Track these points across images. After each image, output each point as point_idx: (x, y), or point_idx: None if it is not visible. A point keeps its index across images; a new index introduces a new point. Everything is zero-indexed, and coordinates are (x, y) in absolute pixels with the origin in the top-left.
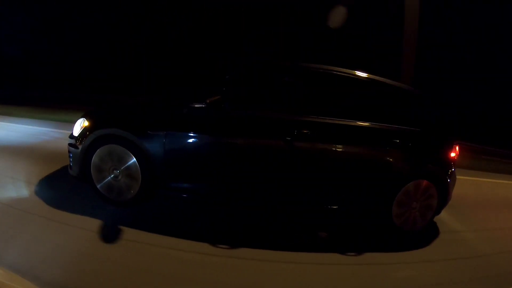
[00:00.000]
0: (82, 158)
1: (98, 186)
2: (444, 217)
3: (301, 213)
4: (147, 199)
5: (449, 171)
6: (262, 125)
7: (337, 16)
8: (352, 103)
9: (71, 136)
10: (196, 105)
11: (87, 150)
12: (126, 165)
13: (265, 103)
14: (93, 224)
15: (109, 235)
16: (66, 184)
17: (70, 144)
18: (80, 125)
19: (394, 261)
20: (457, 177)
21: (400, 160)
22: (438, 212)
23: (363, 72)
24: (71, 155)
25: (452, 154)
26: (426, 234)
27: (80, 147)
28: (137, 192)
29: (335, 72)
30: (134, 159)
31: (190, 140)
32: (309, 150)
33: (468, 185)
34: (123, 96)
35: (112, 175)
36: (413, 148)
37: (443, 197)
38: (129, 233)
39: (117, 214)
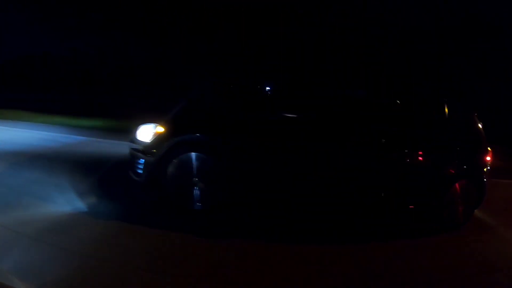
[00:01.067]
0: (156, 165)
1: (173, 194)
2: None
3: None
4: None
5: (485, 172)
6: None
7: None
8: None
9: (135, 141)
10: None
11: (164, 157)
12: (205, 172)
13: None
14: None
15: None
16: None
17: (136, 150)
18: (150, 131)
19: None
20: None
21: (450, 163)
22: (476, 207)
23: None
24: (139, 161)
25: (488, 158)
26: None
27: (153, 154)
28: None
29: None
30: (215, 164)
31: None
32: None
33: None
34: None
35: (192, 183)
36: (460, 153)
37: (481, 195)
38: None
39: (192, 222)
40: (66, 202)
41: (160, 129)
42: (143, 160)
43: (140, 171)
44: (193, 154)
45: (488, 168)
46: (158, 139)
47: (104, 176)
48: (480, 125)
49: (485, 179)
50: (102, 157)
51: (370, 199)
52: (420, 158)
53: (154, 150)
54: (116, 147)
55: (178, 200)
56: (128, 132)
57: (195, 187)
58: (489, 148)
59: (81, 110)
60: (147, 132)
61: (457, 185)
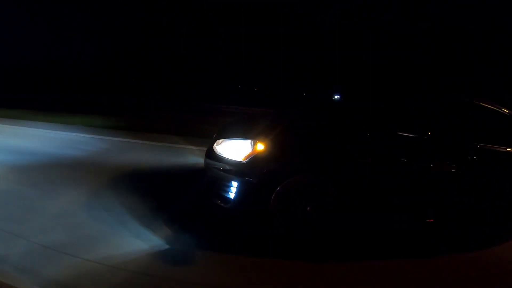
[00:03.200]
0: (257, 190)
1: (280, 223)
2: None
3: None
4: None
5: None
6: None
7: None
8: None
9: (219, 158)
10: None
11: (268, 181)
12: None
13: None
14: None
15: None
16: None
17: (223, 170)
18: (245, 148)
19: None
20: None
21: None
22: None
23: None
24: (228, 183)
25: None
26: None
27: (252, 176)
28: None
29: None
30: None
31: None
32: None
33: None
34: None
35: (304, 211)
36: None
37: None
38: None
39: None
40: (134, 238)
41: (261, 146)
42: (236, 183)
43: (229, 196)
44: (307, 181)
45: None
46: (259, 159)
47: (164, 195)
48: None
49: None
50: (148, 165)
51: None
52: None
53: (253, 172)
54: (153, 149)
55: (287, 229)
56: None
57: (306, 215)
58: None
59: (100, 110)
60: (238, 149)
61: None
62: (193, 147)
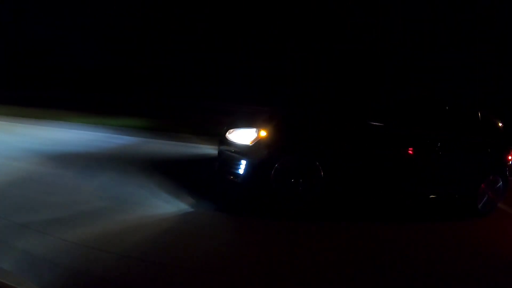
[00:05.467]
0: (260, 166)
1: (278, 192)
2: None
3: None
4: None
5: (508, 169)
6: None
7: None
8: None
9: (230, 143)
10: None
11: (269, 160)
12: (309, 174)
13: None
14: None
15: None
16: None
17: (234, 152)
18: (251, 135)
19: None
20: None
21: (485, 160)
22: (501, 199)
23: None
24: (238, 162)
25: (510, 157)
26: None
27: (256, 156)
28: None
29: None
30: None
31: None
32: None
33: None
34: None
35: (296, 183)
36: (491, 153)
37: (505, 189)
38: None
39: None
40: (166, 203)
41: (263, 133)
42: (244, 162)
43: (239, 172)
44: (299, 160)
45: (510, 165)
46: (261, 143)
47: (185, 176)
48: (501, 127)
49: (508, 175)
50: (169, 157)
51: (432, 190)
52: (466, 156)
53: (257, 153)
54: (171, 147)
55: (283, 197)
56: (167, 131)
57: (299, 186)
58: (510, 148)
59: (111, 109)
60: (246, 135)
61: (489, 179)
62: None
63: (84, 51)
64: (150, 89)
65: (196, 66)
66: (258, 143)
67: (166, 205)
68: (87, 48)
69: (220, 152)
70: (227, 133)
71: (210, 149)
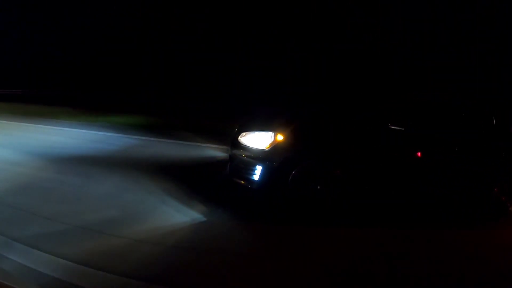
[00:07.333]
0: (277, 172)
1: (296, 197)
2: None
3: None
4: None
5: None
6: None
7: None
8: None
9: (244, 147)
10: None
11: (286, 165)
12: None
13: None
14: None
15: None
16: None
17: (248, 156)
18: (267, 139)
19: None
20: None
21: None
22: None
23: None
24: (253, 167)
25: None
26: None
27: (273, 161)
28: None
29: None
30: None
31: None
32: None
33: None
34: None
35: (314, 188)
36: (505, 157)
37: None
38: None
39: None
40: (177, 212)
41: (281, 137)
42: (260, 167)
43: (253, 178)
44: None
45: None
46: (279, 148)
47: (195, 181)
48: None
49: None
50: (177, 159)
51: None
52: (481, 160)
53: (274, 158)
54: (174, 147)
55: (301, 203)
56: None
57: (318, 192)
58: None
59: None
60: (261, 139)
61: (502, 182)
62: None
63: (84, 51)
64: (150, 89)
65: (196, 66)
66: (275, 147)
67: (178, 215)
68: (87, 48)
69: (232, 156)
70: (239, 136)
71: (210, 149)
